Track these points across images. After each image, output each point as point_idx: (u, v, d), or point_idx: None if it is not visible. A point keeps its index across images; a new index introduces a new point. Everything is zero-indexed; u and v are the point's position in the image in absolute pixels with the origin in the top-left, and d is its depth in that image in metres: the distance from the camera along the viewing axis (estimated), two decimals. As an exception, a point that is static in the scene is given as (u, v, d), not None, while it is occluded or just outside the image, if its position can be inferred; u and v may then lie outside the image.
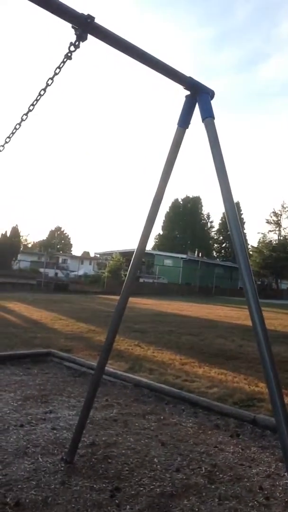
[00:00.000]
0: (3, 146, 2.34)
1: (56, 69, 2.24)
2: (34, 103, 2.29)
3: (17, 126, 2.30)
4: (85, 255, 69.21)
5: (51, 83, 2.27)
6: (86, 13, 2.12)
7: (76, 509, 2.46)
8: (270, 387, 2.17)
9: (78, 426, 3.15)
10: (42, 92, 2.28)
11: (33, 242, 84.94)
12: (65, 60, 2.21)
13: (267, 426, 3.98)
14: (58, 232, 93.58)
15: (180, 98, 2.86)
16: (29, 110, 2.29)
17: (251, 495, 2.78)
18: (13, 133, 2.31)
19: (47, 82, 2.27)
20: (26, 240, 71.20)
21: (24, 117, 2.29)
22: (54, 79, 2.26)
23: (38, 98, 2.28)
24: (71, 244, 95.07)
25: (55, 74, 2.25)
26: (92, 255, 67.05)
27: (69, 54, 2.20)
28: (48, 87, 2.29)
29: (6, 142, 2.33)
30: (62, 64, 2.22)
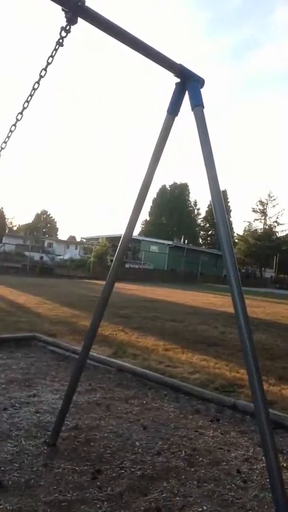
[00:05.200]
0: (2, 148, 2.15)
1: (48, 58, 2.06)
2: (29, 100, 2.07)
3: (12, 128, 2.07)
4: (71, 240, 68.74)
5: (45, 74, 2.07)
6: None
7: (58, 490, 2.50)
8: (250, 374, 2.22)
9: (61, 410, 3.19)
10: (36, 86, 2.07)
11: (19, 225, 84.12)
12: (57, 47, 2.05)
13: (247, 411, 4.07)
14: (44, 216, 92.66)
15: (171, 85, 2.84)
16: (24, 108, 2.07)
17: (229, 478, 2.87)
18: (8, 137, 2.09)
19: (40, 74, 2.06)
20: (11, 223, 70.43)
21: (19, 116, 2.07)
22: (47, 69, 2.06)
23: (32, 93, 2.06)
24: (57, 228, 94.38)
25: (48, 63, 2.06)
26: (78, 239, 66.67)
27: (61, 41, 2.05)
28: (42, 78, 2.08)
29: (2, 148, 2.15)
30: (54, 52, 2.05)
